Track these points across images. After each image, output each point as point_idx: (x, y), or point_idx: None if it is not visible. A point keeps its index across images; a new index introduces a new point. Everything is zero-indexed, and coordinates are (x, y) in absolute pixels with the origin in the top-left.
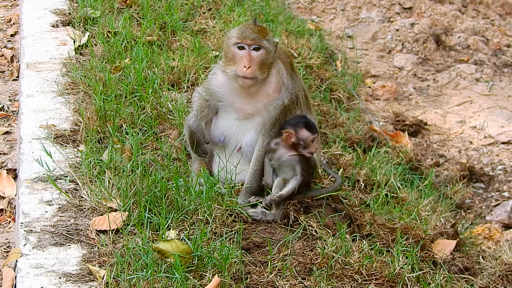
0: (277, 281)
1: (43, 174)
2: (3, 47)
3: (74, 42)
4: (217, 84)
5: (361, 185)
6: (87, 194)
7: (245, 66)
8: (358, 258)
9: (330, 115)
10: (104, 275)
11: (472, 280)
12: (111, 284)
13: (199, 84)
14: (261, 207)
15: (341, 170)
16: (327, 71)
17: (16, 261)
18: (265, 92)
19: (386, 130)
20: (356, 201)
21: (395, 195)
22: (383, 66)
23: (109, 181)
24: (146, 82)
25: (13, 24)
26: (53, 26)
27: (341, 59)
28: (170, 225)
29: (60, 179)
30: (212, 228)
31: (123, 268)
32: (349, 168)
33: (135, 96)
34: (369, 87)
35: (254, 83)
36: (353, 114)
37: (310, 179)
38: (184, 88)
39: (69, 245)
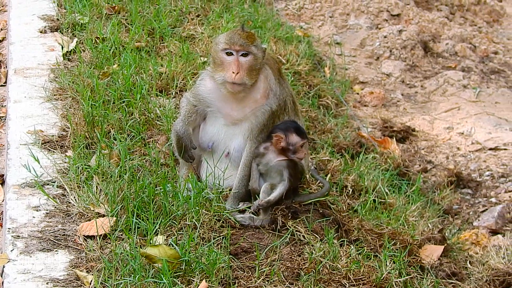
0: (265, 286)
1: (31, 179)
2: None
3: (62, 48)
4: (205, 90)
5: (349, 190)
6: (75, 200)
7: (233, 72)
8: (345, 263)
9: (318, 121)
10: (91, 281)
11: (460, 286)
12: None
13: (187, 90)
14: (249, 213)
15: (329, 175)
16: (316, 77)
17: (3, 266)
18: (253, 98)
19: (374, 136)
20: (344, 207)
21: (383, 200)
22: (371, 73)
23: (97, 186)
24: (134, 88)
25: (1, 30)
26: (41, 32)
27: (329, 66)
28: (158, 231)
29: (48, 184)
30: (200, 233)
31: (111, 274)
32: (337, 173)
33: (123, 102)
34: (357, 93)
35: (243, 88)
36: (341, 120)
37: (298, 185)
38: (172, 94)
39: (56, 251)
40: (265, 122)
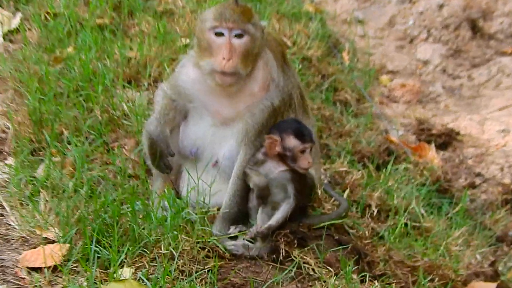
0: None
1: None
2: None
3: (2, 25)
4: (187, 80)
5: (373, 211)
6: (16, 221)
7: (224, 58)
8: None
9: (334, 121)
10: None
11: None
12: None
13: (163, 80)
14: (243, 239)
15: (347, 191)
16: (331, 65)
17: None
18: (249, 91)
19: (406, 141)
20: (367, 232)
21: (417, 224)
22: (403, 59)
23: (45, 204)
24: (95, 77)
25: None
26: None
27: (348, 50)
28: (124, 261)
29: None
30: (178, 266)
31: None
32: (357, 189)
33: (81, 95)
34: (385, 86)
35: (236, 80)
36: (364, 120)
37: (307, 203)
38: (144, 85)
39: None
40: (265, 122)
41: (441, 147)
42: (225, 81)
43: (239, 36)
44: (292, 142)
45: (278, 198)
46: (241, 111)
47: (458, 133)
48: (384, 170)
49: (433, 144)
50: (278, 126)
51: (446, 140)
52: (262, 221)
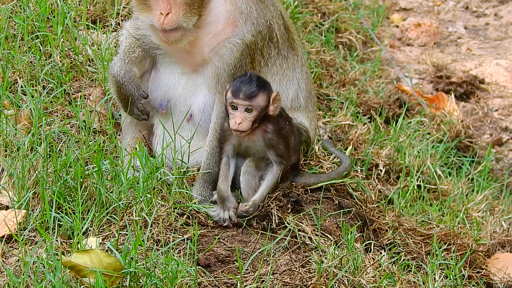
0: None
1: None
2: None
3: None
4: (147, 28)
5: (381, 171)
6: None
7: (162, 13)
8: (373, 276)
9: (335, 67)
10: None
11: None
12: None
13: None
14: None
15: (349, 148)
16: (332, 1)
17: None
18: (211, 32)
19: (421, 91)
20: (373, 195)
21: (432, 187)
22: None
23: None
24: (54, 16)
25: None
26: None
27: None
28: (90, 230)
29: None
30: (152, 234)
31: None
32: (362, 146)
33: (37, 37)
34: (397, 26)
35: (182, 34)
36: (371, 66)
37: (297, 159)
38: (111, 25)
39: None
40: (237, 63)
41: (462, 97)
42: (169, 37)
43: None
44: (228, 94)
45: (261, 155)
46: (207, 56)
47: (482, 81)
48: (394, 124)
49: (452, 94)
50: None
51: (468, 89)
52: (246, 184)
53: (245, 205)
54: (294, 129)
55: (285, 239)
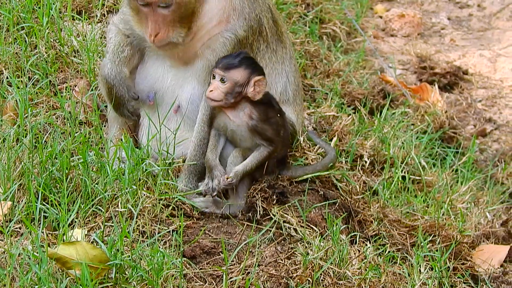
0: None
1: None
2: None
3: None
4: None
5: (365, 162)
6: None
7: (151, 35)
8: (358, 268)
9: (320, 58)
10: None
11: None
12: None
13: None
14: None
15: (334, 139)
16: None
17: None
18: (204, 28)
19: (405, 82)
20: (358, 186)
21: (417, 178)
22: None
23: None
24: (39, 7)
25: None
26: None
27: None
28: (75, 221)
29: None
30: (138, 226)
31: (4, 286)
32: (347, 137)
33: (22, 28)
34: (380, 17)
35: (174, 45)
36: (355, 57)
37: (285, 153)
38: (96, 16)
39: None
40: None
41: (446, 88)
42: (162, 49)
43: (164, 7)
44: (216, 70)
45: (247, 144)
46: (199, 49)
47: (465, 72)
48: (378, 115)
49: (436, 85)
50: None
51: (452, 80)
52: (230, 169)
53: (227, 177)
54: (286, 123)
55: (271, 231)
